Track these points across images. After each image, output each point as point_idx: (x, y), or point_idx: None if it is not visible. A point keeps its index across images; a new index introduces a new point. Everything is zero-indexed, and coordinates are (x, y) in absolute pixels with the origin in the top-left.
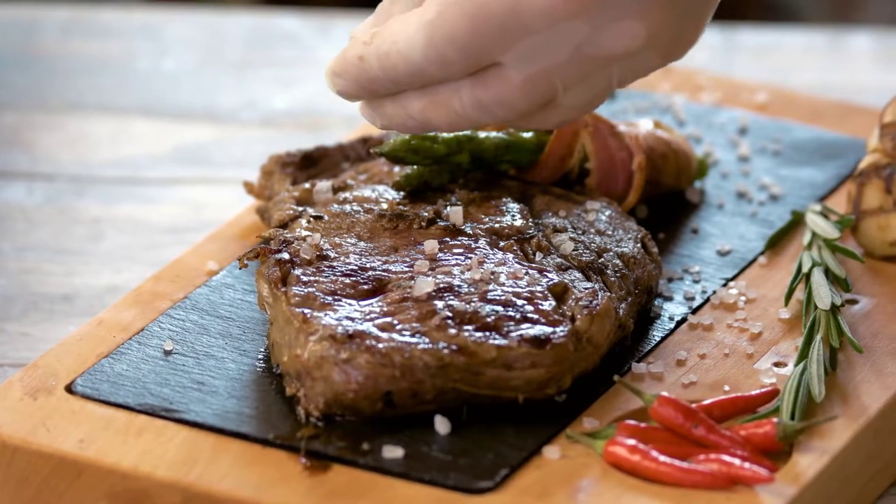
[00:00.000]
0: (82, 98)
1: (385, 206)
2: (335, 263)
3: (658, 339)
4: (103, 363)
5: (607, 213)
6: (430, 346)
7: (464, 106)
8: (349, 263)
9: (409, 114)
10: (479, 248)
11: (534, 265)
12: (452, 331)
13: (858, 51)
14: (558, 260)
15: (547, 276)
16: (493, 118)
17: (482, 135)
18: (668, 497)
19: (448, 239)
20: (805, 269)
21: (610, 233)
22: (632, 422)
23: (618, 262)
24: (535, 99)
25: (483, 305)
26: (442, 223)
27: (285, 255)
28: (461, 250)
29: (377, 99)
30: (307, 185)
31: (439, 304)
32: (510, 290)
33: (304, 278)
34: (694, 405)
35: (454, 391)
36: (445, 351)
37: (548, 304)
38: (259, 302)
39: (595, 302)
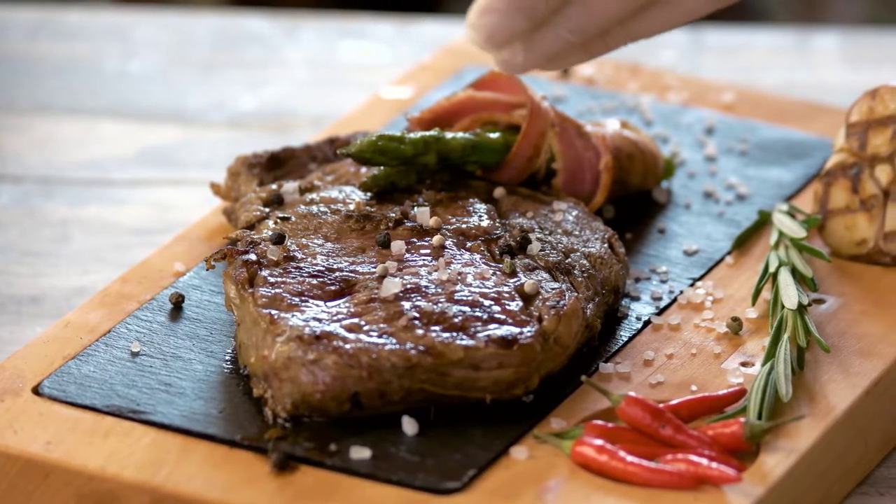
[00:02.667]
0: (50, 99)
1: (352, 206)
2: (302, 264)
3: (625, 339)
4: (70, 365)
5: (574, 213)
6: (398, 346)
7: None
8: (316, 264)
9: (570, 30)
10: (446, 248)
11: (501, 265)
12: (420, 331)
13: (825, 51)
14: (525, 260)
15: (514, 277)
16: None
17: (449, 135)
18: (635, 497)
19: (415, 240)
20: (772, 269)
21: (577, 233)
22: (599, 422)
23: (585, 262)
24: None
25: (450, 306)
26: (409, 224)
27: (252, 256)
28: (428, 251)
29: (530, 32)
30: (274, 186)
31: (406, 304)
32: (477, 290)
33: (271, 279)
34: (661, 405)
35: (421, 392)
36: (413, 352)
37: (515, 305)
38: (226, 303)
39: (562, 302)
